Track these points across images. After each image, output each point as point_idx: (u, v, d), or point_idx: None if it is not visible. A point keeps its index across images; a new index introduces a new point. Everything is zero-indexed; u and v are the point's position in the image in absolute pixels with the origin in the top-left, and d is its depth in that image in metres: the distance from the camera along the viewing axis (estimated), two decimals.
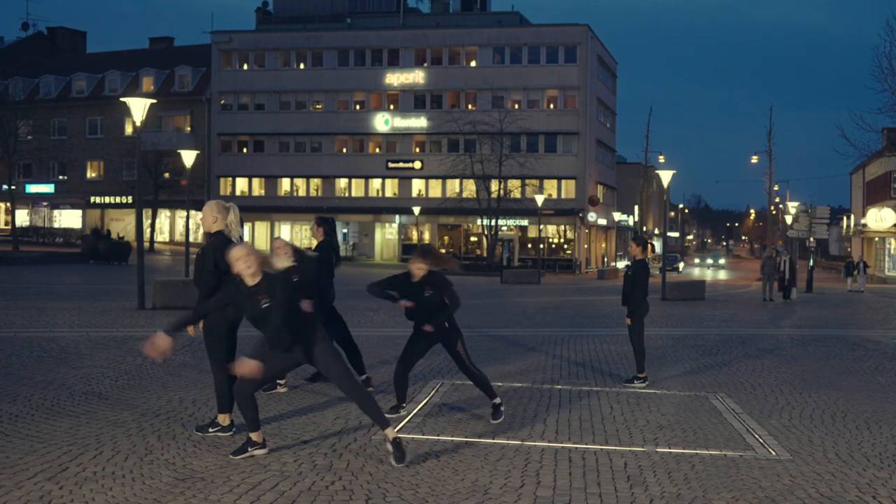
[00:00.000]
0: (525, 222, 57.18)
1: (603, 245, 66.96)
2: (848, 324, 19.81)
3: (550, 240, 59.03)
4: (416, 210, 54.62)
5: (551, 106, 58.88)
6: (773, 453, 6.91)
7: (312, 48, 61.82)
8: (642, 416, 8.29)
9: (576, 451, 6.80)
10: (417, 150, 60.13)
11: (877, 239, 54.66)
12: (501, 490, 5.74)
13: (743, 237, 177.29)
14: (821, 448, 7.14)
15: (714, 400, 9.21)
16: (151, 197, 55.40)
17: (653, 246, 9.83)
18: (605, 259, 66.43)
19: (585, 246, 59.99)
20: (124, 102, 18.09)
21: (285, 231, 62.94)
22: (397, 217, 59.83)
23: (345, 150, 61.40)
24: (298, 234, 62.30)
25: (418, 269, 7.58)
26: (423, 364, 11.23)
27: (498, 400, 7.82)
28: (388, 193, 60.81)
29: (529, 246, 57.91)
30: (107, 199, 64.10)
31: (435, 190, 59.18)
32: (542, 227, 51.02)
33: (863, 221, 55.31)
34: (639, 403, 8.92)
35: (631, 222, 74.32)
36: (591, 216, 59.00)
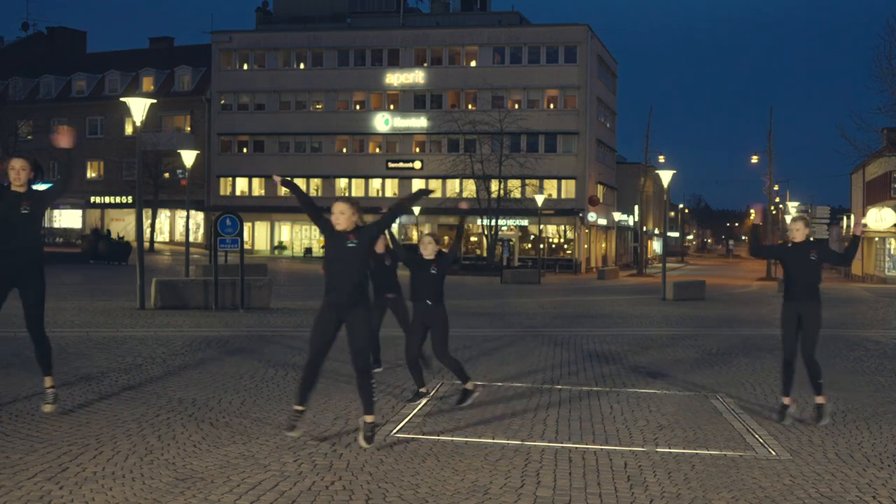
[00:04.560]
0: (525, 222, 57.18)
1: (603, 245, 66.96)
2: (848, 324, 19.81)
3: (550, 240, 59.02)
4: (416, 210, 54.62)
5: (551, 106, 58.88)
6: (773, 453, 6.91)
7: (312, 48, 61.81)
8: (642, 416, 8.28)
9: (576, 451, 6.80)
10: (417, 150, 60.12)
11: (877, 239, 54.64)
12: (501, 490, 5.74)
13: (743, 237, 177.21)
14: (821, 448, 7.14)
15: (714, 400, 9.21)
16: (151, 197, 55.42)
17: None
18: (606, 259, 66.42)
19: (585, 246, 59.99)
20: (124, 102, 18.09)
21: (285, 231, 62.95)
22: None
23: (345, 150, 61.40)
24: (298, 234, 62.35)
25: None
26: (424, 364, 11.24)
27: (470, 385, 8.38)
28: (388, 193, 60.79)
29: (529, 246, 57.91)
30: (107, 199, 64.10)
31: (435, 190, 59.16)
32: (542, 227, 51.01)
33: (863, 221, 55.28)
34: (639, 403, 8.92)
35: (631, 222, 74.33)
36: (591, 216, 58.99)
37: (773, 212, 68.63)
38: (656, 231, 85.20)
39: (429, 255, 8.53)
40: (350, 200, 6.86)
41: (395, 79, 60.26)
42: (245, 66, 63.29)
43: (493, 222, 51.74)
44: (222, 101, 62.79)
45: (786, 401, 8.14)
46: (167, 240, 64.18)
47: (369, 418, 6.72)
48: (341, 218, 6.71)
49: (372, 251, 9.21)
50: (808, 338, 8.01)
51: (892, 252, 52.90)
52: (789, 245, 8.13)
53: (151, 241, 56.15)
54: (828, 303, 29.64)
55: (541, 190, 53.36)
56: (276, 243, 62.30)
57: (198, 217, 60.03)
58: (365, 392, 6.72)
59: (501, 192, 51.77)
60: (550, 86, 58.64)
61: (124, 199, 62.22)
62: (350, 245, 6.68)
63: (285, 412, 7.96)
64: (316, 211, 6.97)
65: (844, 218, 67.87)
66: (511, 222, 56.64)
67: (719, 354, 13.08)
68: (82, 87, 66.06)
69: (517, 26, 61.20)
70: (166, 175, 57.92)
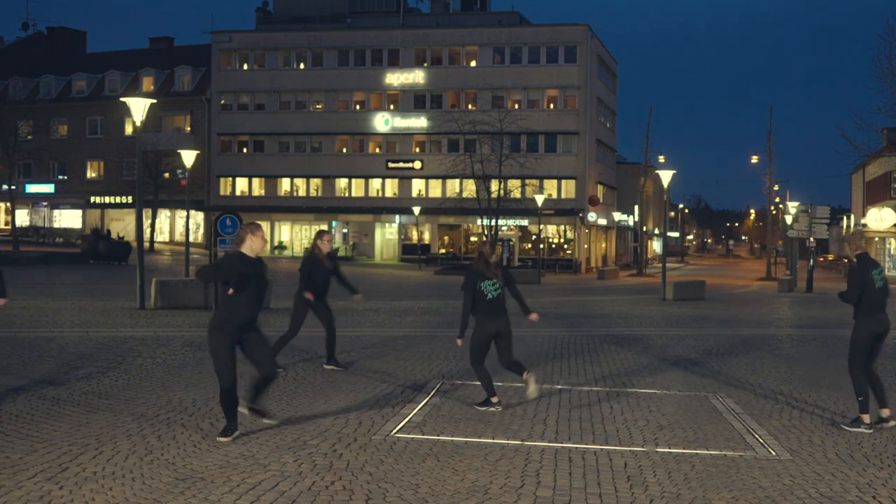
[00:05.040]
0: (525, 222, 57.15)
1: (603, 245, 66.95)
2: (848, 324, 19.76)
3: (550, 240, 58.99)
4: (416, 210, 54.62)
5: (551, 106, 58.86)
6: (773, 453, 6.91)
7: (312, 48, 61.78)
8: (642, 416, 8.29)
9: (576, 451, 6.80)
10: (417, 150, 60.10)
11: (877, 239, 54.66)
12: (501, 490, 5.74)
13: (743, 237, 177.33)
14: (821, 448, 7.14)
15: (714, 400, 9.21)
16: (151, 197, 55.39)
17: None
18: (606, 259, 66.40)
19: (585, 246, 60.00)
20: (124, 102, 18.09)
21: (285, 231, 62.99)
22: (397, 217, 59.82)
23: (345, 150, 61.37)
24: (298, 234, 62.32)
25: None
26: (423, 364, 11.24)
27: (495, 399, 8.42)
28: (388, 193, 60.80)
29: (529, 246, 57.91)
30: (107, 199, 64.10)
31: (435, 190, 59.15)
32: (542, 227, 51.01)
33: (863, 221, 55.32)
34: (639, 403, 8.92)
35: (631, 222, 74.33)
36: (591, 216, 58.96)
37: (773, 212, 68.60)
38: (656, 231, 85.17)
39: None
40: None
41: (395, 79, 60.24)
42: (245, 66, 63.25)
43: (493, 222, 51.74)
44: (222, 101, 62.76)
45: (883, 413, 8.10)
46: (167, 240, 64.15)
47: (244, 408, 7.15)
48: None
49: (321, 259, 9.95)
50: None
51: (892, 252, 52.92)
52: None
53: (151, 241, 56.11)
54: (828, 303, 29.56)
55: (541, 190, 53.32)
56: (276, 243, 62.28)
57: (198, 217, 60.00)
58: (262, 388, 7.23)
59: (501, 192, 51.74)
60: (550, 86, 58.60)
61: (124, 199, 62.20)
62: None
63: (285, 412, 7.96)
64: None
65: (844, 218, 67.97)
66: (511, 222, 56.61)
67: (719, 354, 13.08)
68: (82, 87, 66.02)
69: (517, 26, 61.16)
70: (166, 175, 57.87)
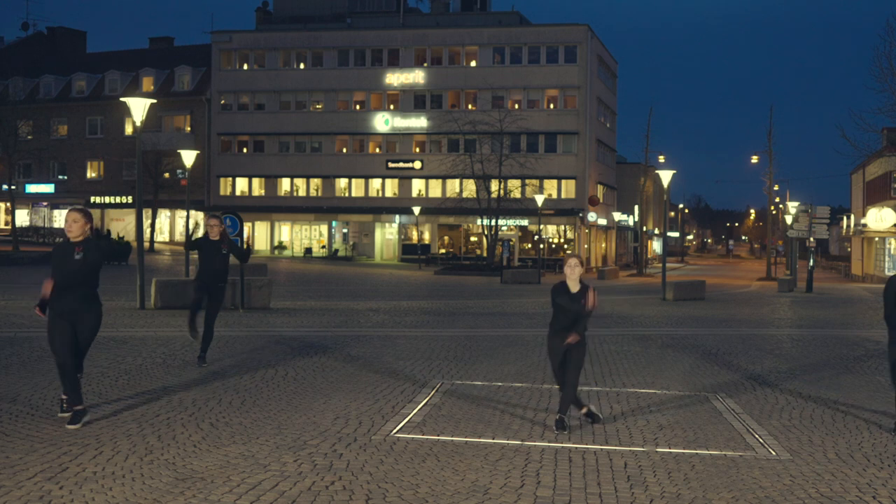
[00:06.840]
0: (525, 222, 57.16)
1: (603, 245, 66.95)
2: (848, 324, 19.81)
3: (550, 240, 58.99)
4: (416, 210, 54.62)
5: (551, 106, 58.86)
6: (773, 453, 6.91)
7: (312, 48, 61.79)
8: (642, 416, 8.29)
9: (576, 451, 6.80)
10: (417, 150, 60.11)
11: (877, 239, 54.64)
12: (501, 490, 5.74)
13: (743, 237, 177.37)
14: (821, 448, 7.14)
15: (714, 400, 9.21)
16: (151, 197, 55.40)
17: None
18: (606, 259, 66.39)
19: (585, 246, 60.00)
20: (124, 102, 18.09)
21: (285, 231, 63.02)
22: (397, 217, 59.83)
23: (345, 150, 61.38)
24: (298, 234, 62.29)
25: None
26: (423, 364, 11.24)
27: (585, 409, 7.86)
28: (388, 193, 60.80)
29: (529, 246, 57.91)
30: (107, 199, 64.09)
31: (435, 190, 59.17)
32: (542, 227, 51.03)
33: (863, 221, 55.29)
34: (639, 403, 8.92)
35: (631, 222, 74.34)
36: (591, 216, 58.97)
37: (773, 212, 68.58)
38: (656, 231, 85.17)
39: (574, 286, 7.45)
40: (82, 211, 7.23)
41: (395, 79, 60.24)
42: (245, 66, 63.26)
43: (493, 222, 51.74)
44: (222, 101, 62.76)
45: None
46: (167, 240, 64.15)
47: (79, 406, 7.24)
48: (74, 227, 7.12)
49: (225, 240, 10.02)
50: None
51: (892, 252, 52.88)
52: None
53: (151, 241, 56.10)
54: (827, 302, 29.58)
55: (541, 190, 53.34)
56: (276, 243, 62.32)
57: (198, 217, 59.95)
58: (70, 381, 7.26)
59: (501, 192, 51.76)
60: (550, 86, 58.61)
61: (124, 199, 62.20)
62: (77, 257, 7.15)
63: (285, 412, 7.96)
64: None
65: (844, 218, 67.90)
66: (511, 222, 56.63)
67: (719, 354, 13.08)
68: (82, 87, 66.03)
69: (517, 26, 61.16)
70: (166, 175, 57.90)
